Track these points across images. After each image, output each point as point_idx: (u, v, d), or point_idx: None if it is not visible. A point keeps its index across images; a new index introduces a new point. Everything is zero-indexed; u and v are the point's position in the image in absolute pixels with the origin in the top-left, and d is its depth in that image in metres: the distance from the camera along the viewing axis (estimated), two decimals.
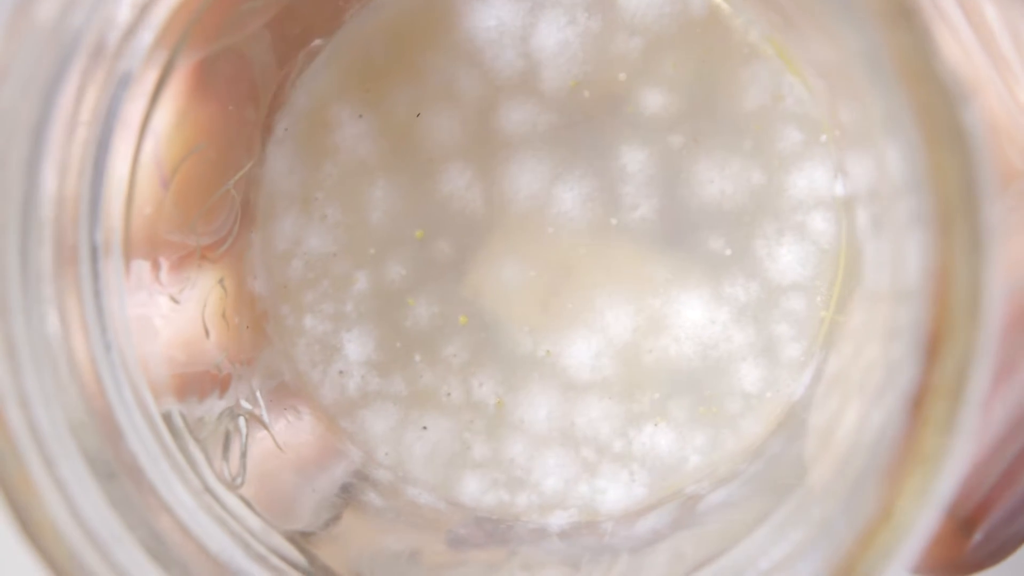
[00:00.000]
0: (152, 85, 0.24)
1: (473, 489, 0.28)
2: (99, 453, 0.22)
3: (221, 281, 0.27)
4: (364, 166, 0.28)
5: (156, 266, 0.25)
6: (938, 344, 0.18)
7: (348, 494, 0.28)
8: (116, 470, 0.22)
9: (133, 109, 0.23)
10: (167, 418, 0.24)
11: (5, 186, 0.21)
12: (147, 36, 0.23)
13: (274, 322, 0.28)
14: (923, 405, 0.18)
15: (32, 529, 0.20)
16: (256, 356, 0.28)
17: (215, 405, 0.26)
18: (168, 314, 0.25)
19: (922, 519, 0.18)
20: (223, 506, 0.24)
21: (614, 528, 0.27)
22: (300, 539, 0.25)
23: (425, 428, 0.28)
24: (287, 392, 0.28)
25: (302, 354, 0.29)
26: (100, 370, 0.23)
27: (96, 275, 0.23)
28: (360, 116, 0.28)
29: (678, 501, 0.27)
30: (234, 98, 0.26)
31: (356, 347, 0.28)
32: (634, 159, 0.27)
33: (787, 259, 0.27)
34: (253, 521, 0.24)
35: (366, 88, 0.28)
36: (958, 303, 0.18)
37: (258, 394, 0.27)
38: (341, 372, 0.28)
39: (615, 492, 0.28)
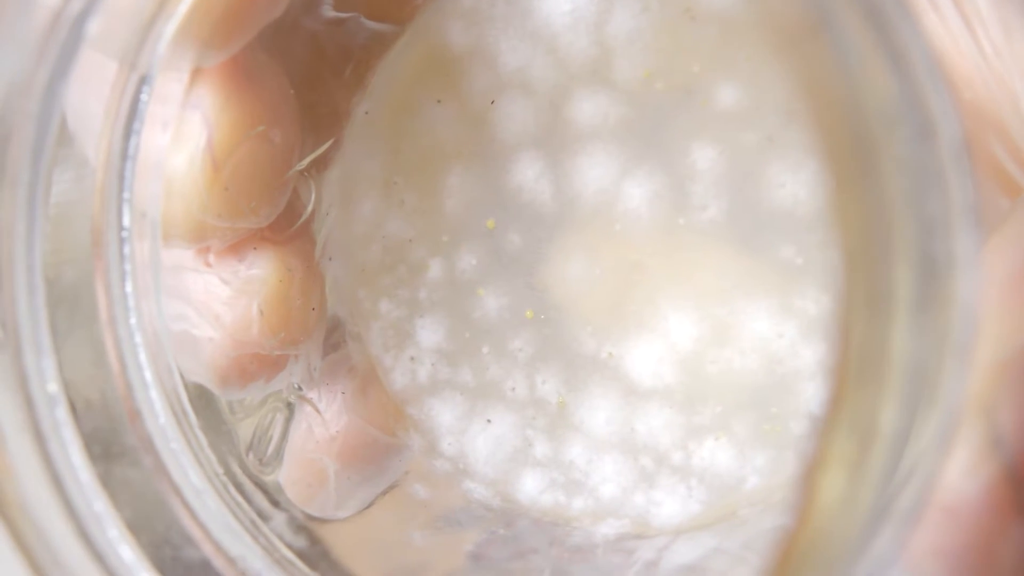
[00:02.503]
0: (187, 71, 0.24)
1: (531, 488, 0.28)
2: (99, 433, 0.23)
3: (287, 262, 0.27)
4: (441, 152, 0.28)
5: (205, 250, 0.26)
6: None
7: (392, 485, 0.27)
8: (117, 451, 0.23)
9: (164, 95, 0.24)
10: (196, 401, 0.25)
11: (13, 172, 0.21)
12: (169, 26, 0.23)
13: (349, 304, 0.29)
14: None
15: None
16: (318, 339, 0.28)
17: (262, 388, 0.26)
18: (217, 296, 0.26)
19: None
20: (241, 491, 0.25)
21: (658, 544, 0.26)
22: (316, 529, 0.25)
23: (489, 421, 0.28)
24: (351, 377, 0.28)
25: (376, 338, 0.29)
26: (123, 351, 0.24)
27: (123, 257, 0.24)
28: (439, 102, 0.27)
29: (729, 524, 0.26)
30: (298, 81, 0.26)
31: (428, 334, 0.28)
32: (704, 156, 0.26)
33: None
34: (266, 506, 0.25)
35: (443, 74, 0.27)
36: None
37: (316, 378, 0.28)
38: (412, 358, 0.28)
39: (671, 506, 0.27)
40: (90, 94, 0.23)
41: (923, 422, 0.17)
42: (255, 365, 0.26)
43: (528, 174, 0.27)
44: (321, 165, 0.28)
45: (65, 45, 0.21)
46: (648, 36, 0.26)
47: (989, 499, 0.19)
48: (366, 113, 0.28)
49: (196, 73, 0.24)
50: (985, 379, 0.19)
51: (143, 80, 0.23)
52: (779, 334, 0.26)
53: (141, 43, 0.22)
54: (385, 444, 0.28)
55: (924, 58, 0.17)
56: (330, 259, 0.28)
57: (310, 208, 0.28)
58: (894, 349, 0.16)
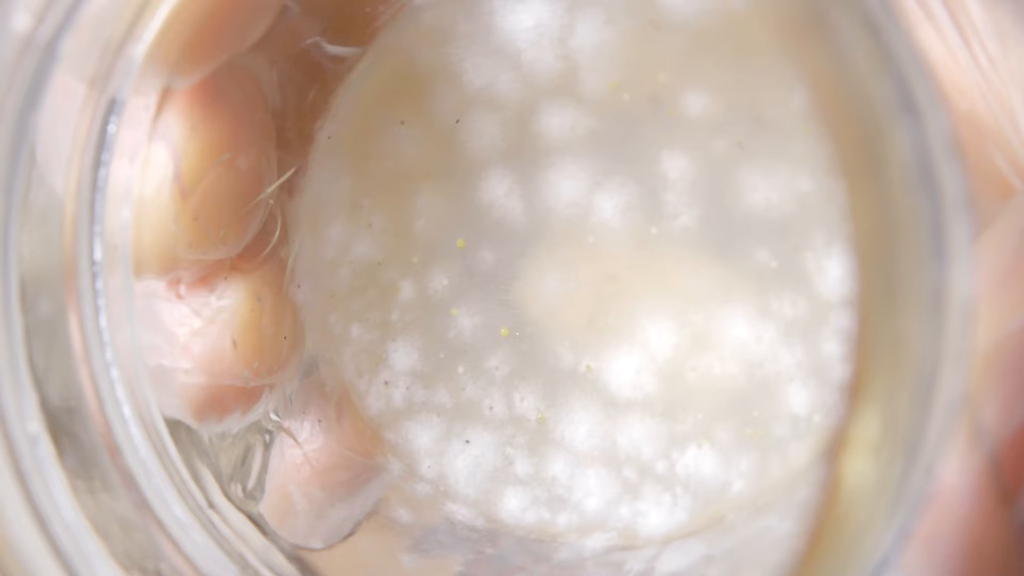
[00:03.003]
0: (154, 99, 0.24)
1: (514, 506, 0.28)
2: (83, 468, 0.22)
3: (257, 292, 0.27)
4: (407, 173, 0.28)
5: (176, 281, 0.25)
6: None
7: (374, 510, 0.27)
8: (100, 486, 0.22)
9: (132, 124, 0.23)
10: (176, 435, 0.24)
11: None
12: (138, 50, 0.23)
13: (320, 331, 0.28)
14: None
15: None
16: (293, 367, 0.28)
17: (239, 419, 0.26)
18: (190, 328, 0.26)
19: None
20: (227, 523, 0.24)
21: (647, 555, 0.26)
22: (305, 557, 0.25)
23: (468, 442, 0.28)
24: (326, 403, 0.28)
25: (348, 363, 0.28)
26: (99, 387, 0.23)
27: (96, 291, 0.23)
28: (402, 123, 0.27)
29: (717, 530, 0.26)
30: (260, 108, 0.26)
31: (401, 357, 0.28)
32: (675, 165, 0.26)
33: (837, 272, 0.25)
34: (256, 539, 0.24)
35: (406, 94, 0.27)
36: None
37: (292, 406, 0.27)
38: (387, 382, 0.28)
39: (656, 516, 0.27)
40: (59, 124, 0.23)
41: (931, 411, 0.17)
42: (230, 397, 0.26)
43: (498, 191, 0.27)
44: (288, 192, 0.28)
45: (36, 73, 0.20)
46: (613, 48, 0.26)
47: (972, 489, 0.20)
48: (329, 138, 0.28)
49: (163, 99, 0.23)
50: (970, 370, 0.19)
51: (111, 107, 0.23)
52: (757, 338, 0.26)
53: (111, 67, 0.22)
54: (363, 468, 0.28)
55: (916, 65, 0.17)
56: (299, 286, 0.28)
57: (276, 236, 0.28)
58: (904, 338, 0.16)
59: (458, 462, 0.28)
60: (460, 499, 0.28)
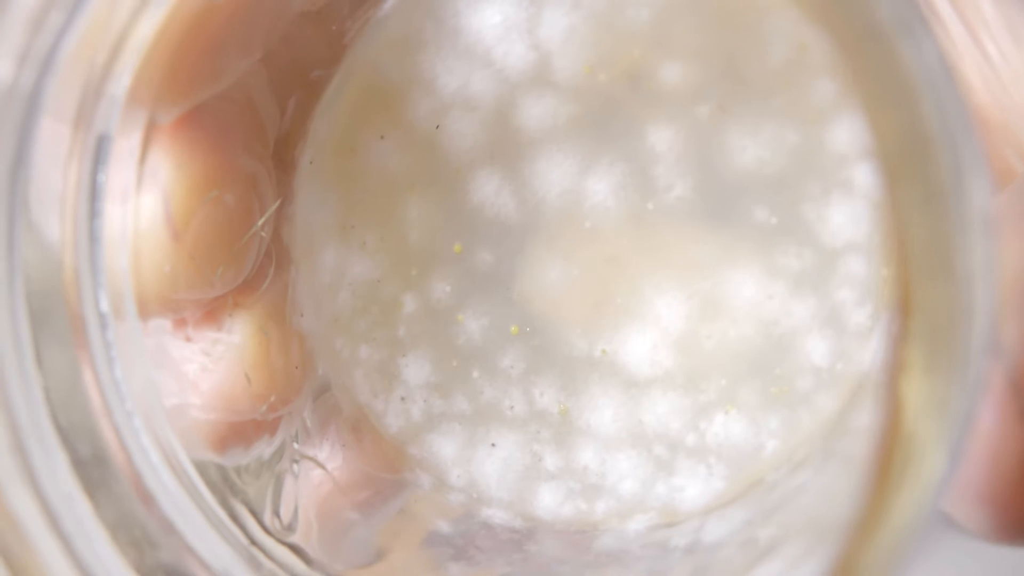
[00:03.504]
0: (138, 139, 0.23)
1: (549, 501, 0.27)
2: (124, 521, 0.22)
3: (261, 325, 0.27)
4: (394, 187, 0.27)
5: (182, 322, 0.25)
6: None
7: (410, 524, 0.27)
8: (141, 536, 0.22)
9: (120, 168, 0.23)
10: (206, 475, 0.24)
11: None
12: (119, 88, 0.22)
13: (328, 357, 0.28)
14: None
15: None
16: (308, 394, 0.27)
17: (263, 452, 0.26)
18: (203, 368, 0.25)
19: None
20: (271, 557, 0.24)
21: (690, 528, 0.26)
22: None
23: (494, 445, 0.28)
24: (345, 427, 0.28)
25: (361, 385, 0.28)
26: (124, 438, 0.23)
27: (108, 343, 0.23)
28: (382, 137, 0.27)
29: (757, 492, 0.26)
30: (243, 141, 0.26)
31: (414, 371, 0.28)
32: (661, 138, 0.26)
33: (838, 219, 0.25)
34: (302, 569, 0.24)
35: (383, 108, 0.27)
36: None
37: (311, 432, 0.27)
38: (403, 398, 0.28)
39: (694, 489, 0.27)
40: (50, 172, 0.22)
41: (973, 328, 0.17)
42: (251, 431, 0.26)
43: (487, 190, 0.27)
44: (279, 222, 0.27)
45: (22, 122, 0.20)
46: (583, 31, 0.26)
47: (992, 405, 0.20)
48: (311, 162, 0.28)
49: (148, 136, 0.23)
50: None
51: (99, 151, 0.22)
52: (768, 296, 0.26)
53: (94, 108, 0.22)
54: (390, 483, 0.27)
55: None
56: (302, 315, 0.28)
57: (272, 267, 0.27)
58: (945, 252, 0.16)
59: (487, 467, 0.28)
60: (495, 503, 0.28)
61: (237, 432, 0.25)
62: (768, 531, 0.24)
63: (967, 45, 0.21)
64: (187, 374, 0.25)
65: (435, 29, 0.27)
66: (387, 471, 0.27)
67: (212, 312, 0.26)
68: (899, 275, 0.16)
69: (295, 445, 0.26)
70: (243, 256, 0.26)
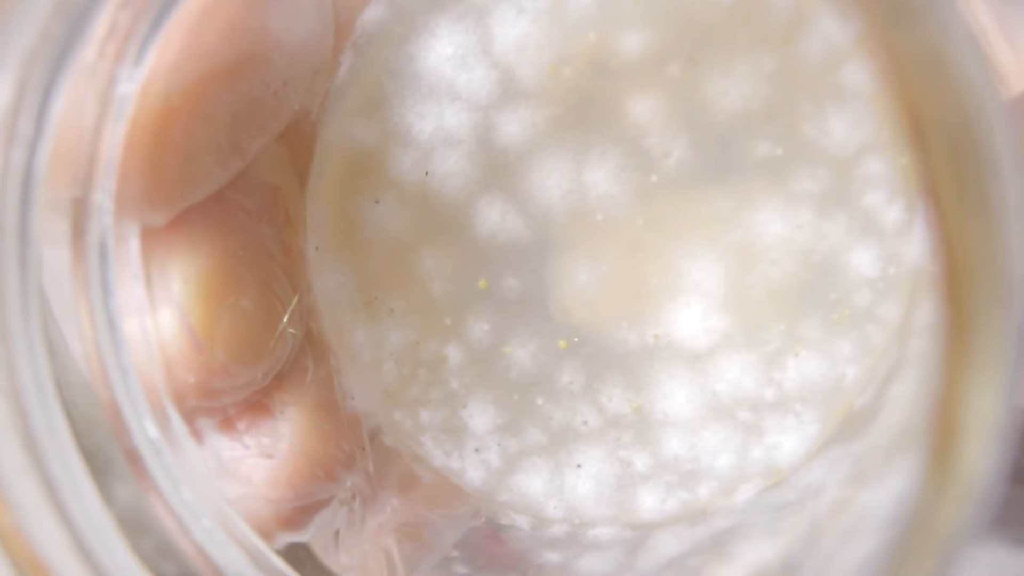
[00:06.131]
0: (136, 247, 0.23)
1: (652, 503, 0.27)
2: None
3: (316, 420, 0.26)
4: (403, 247, 0.27)
5: (229, 422, 0.25)
6: None
7: (518, 563, 0.26)
8: None
9: (126, 281, 0.23)
10: (296, 561, 0.23)
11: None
12: (104, 198, 0.22)
13: (390, 431, 0.27)
14: None
15: None
16: (384, 473, 0.27)
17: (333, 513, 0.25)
18: (265, 467, 0.25)
19: None
20: None
21: (799, 481, 0.25)
22: None
23: (579, 466, 0.27)
24: (425, 498, 0.27)
25: (433, 450, 0.27)
26: (209, 554, 0.22)
27: (166, 467, 0.23)
28: (377, 202, 0.27)
29: (853, 424, 0.25)
30: (242, 240, 0.26)
31: (479, 419, 0.27)
32: (643, 109, 0.26)
33: (840, 127, 0.25)
34: None
35: (367, 174, 0.27)
36: None
37: (396, 511, 0.26)
38: (476, 449, 0.27)
39: (790, 442, 0.26)
40: (64, 304, 0.22)
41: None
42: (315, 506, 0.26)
43: (493, 218, 0.27)
44: (304, 316, 0.27)
45: (22, 238, 0.20)
46: (535, 34, 0.26)
47: None
48: (317, 249, 0.27)
49: (146, 244, 0.23)
50: None
51: (103, 270, 0.22)
52: (797, 226, 0.25)
53: (86, 219, 0.22)
54: (498, 529, 0.27)
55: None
56: (353, 399, 0.27)
57: (310, 361, 0.27)
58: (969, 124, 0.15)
59: (580, 489, 0.27)
60: (599, 522, 0.27)
61: (304, 513, 0.25)
62: (867, 457, 0.23)
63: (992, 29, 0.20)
64: (247, 476, 0.25)
65: (394, 81, 0.27)
66: (446, 509, 0.27)
67: (260, 414, 0.25)
68: (918, 159, 0.15)
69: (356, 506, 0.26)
70: (276, 353, 0.26)
